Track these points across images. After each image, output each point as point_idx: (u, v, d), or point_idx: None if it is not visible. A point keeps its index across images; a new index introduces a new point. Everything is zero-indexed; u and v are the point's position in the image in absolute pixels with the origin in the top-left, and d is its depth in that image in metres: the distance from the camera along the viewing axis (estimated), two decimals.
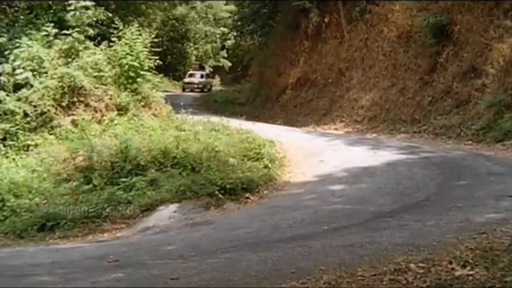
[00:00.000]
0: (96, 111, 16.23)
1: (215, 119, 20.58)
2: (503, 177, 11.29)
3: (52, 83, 15.69)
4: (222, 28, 58.34)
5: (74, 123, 15.68)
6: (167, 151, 13.15)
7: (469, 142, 17.05)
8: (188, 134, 15.81)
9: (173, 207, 10.93)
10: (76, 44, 16.61)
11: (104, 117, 16.13)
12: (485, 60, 18.31)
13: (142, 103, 17.08)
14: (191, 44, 56.16)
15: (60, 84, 15.75)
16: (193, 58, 56.41)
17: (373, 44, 23.41)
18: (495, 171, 11.90)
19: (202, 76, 48.79)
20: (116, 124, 15.81)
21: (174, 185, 11.54)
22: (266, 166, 13.37)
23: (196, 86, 46.55)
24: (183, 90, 45.75)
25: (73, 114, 15.87)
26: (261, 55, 34.19)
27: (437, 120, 19.08)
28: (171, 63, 53.33)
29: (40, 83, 15.75)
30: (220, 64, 60.08)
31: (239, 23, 40.18)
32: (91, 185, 12.14)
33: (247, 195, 11.83)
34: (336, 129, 22.51)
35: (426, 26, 20.33)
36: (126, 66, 16.82)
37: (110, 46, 17.30)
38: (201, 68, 52.52)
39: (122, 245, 9.09)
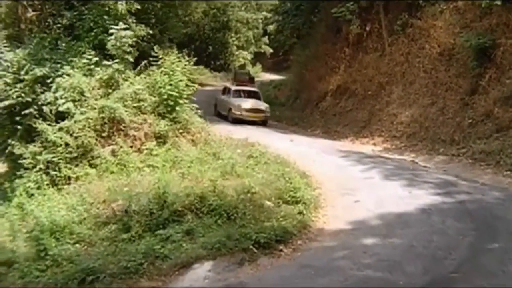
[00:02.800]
0: (135, 140, 16.62)
1: (252, 134, 20.85)
2: None
3: (93, 114, 16.10)
4: (264, 13, 57.70)
5: (113, 152, 16.12)
6: (204, 196, 13.39)
7: (508, 172, 16.84)
8: (225, 164, 16.13)
9: (207, 265, 11.16)
10: (116, 75, 16.90)
11: (143, 146, 16.51)
12: None
13: (181, 131, 17.38)
14: (233, 34, 55.78)
15: (101, 115, 16.14)
16: (234, 48, 56.02)
17: (414, 60, 23.11)
18: None
19: (258, 97, 29.14)
20: (155, 155, 16.17)
21: (210, 240, 11.74)
22: (300, 212, 13.48)
23: (263, 115, 27.61)
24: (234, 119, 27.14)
25: (112, 144, 16.29)
26: (302, 56, 34.01)
27: (476, 144, 18.84)
28: (211, 53, 53.48)
29: (81, 113, 16.20)
30: (262, 51, 59.83)
31: (280, 17, 39.86)
32: (129, 234, 12.47)
33: (280, 247, 11.98)
34: (374, 144, 22.42)
35: (469, 47, 19.94)
36: (165, 95, 17.08)
37: (149, 74, 17.59)
38: (250, 79, 33.01)
39: None
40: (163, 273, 11.09)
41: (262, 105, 27.92)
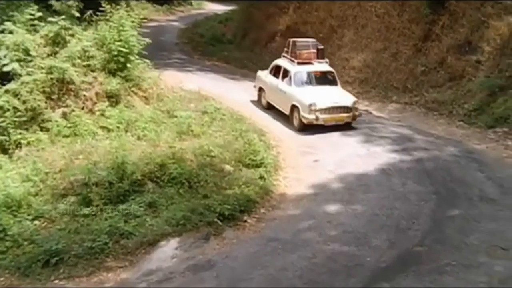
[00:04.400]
0: (86, 100, 16.02)
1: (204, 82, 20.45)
2: (495, 208, 11.59)
3: (41, 76, 15.34)
4: None
5: (65, 115, 15.51)
6: (163, 164, 13.17)
7: (461, 123, 17.21)
8: (180, 123, 15.89)
9: (174, 242, 11.09)
10: (63, 31, 16.05)
11: (95, 107, 15.95)
12: (481, 36, 18.20)
13: (133, 88, 16.86)
14: None
15: (50, 76, 15.41)
16: None
17: (366, 3, 22.85)
18: (488, 195, 12.16)
19: (334, 82, 18.66)
20: (108, 116, 15.68)
21: (174, 216, 11.62)
22: (262, 177, 13.47)
23: (347, 115, 17.34)
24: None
25: (63, 106, 15.65)
26: None
27: (429, 93, 19.14)
28: None
29: (28, 74, 15.38)
30: None
31: None
32: (90, 208, 12.19)
33: (245, 217, 12.06)
34: None
35: None
36: (115, 52, 16.42)
37: (96, 29, 16.82)
38: (319, 51, 19.10)
39: None
40: (129, 251, 10.99)
41: (346, 98, 17.59)
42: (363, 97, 20.80)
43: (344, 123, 16.90)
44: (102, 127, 15.37)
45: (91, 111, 15.85)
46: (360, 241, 10.64)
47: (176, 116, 16.48)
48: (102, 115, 15.72)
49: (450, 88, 18.63)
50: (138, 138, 15.02)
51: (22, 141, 14.75)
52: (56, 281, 10.41)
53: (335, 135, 16.44)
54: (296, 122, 17.21)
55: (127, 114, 15.81)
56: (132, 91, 16.78)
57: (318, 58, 18.70)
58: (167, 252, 10.90)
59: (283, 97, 18.05)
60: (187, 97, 18.73)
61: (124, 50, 16.42)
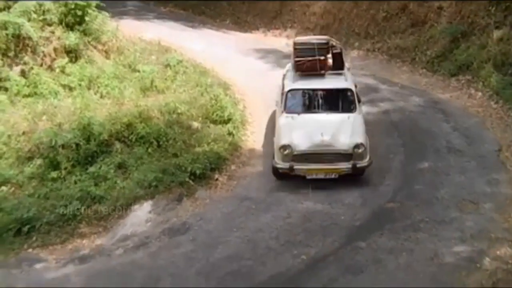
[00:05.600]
0: (45, 56, 15.48)
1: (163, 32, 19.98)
2: (463, 159, 11.90)
3: None
4: None
5: (23, 73, 15.00)
6: (130, 123, 12.95)
7: (424, 70, 17.38)
8: (143, 78, 15.61)
9: (147, 205, 11.05)
10: None
11: (55, 63, 15.45)
12: None
13: (93, 42, 16.36)
14: None
15: (5, 32, 14.78)
16: None
17: None
18: (455, 146, 12.46)
19: (350, 104, 12.25)
20: (68, 74, 15.22)
21: (145, 177, 11.51)
22: (230, 133, 13.43)
23: (346, 168, 11.23)
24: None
25: (20, 63, 15.11)
26: None
27: (391, 39, 19.13)
28: None
29: None
30: None
31: None
32: (57, 171, 11.97)
33: (216, 176, 12.09)
34: (287, 36, 22.11)
35: None
36: (72, 5, 15.81)
37: None
38: (336, 56, 13.08)
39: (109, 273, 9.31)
40: (102, 217, 10.91)
41: (348, 136, 11.34)
42: None
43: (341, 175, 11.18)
44: (63, 85, 14.92)
45: (51, 68, 15.34)
46: (332, 198, 10.78)
47: (138, 71, 16.16)
48: (62, 72, 15.23)
49: (412, 34, 18.68)
50: (101, 96, 14.70)
51: None
52: (30, 250, 10.30)
53: None
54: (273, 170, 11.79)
55: (89, 70, 15.35)
56: (92, 45, 16.27)
57: (335, 65, 12.92)
58: (141, 216, 10.87)
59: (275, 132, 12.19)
60: (148, 48, 18.33)
61: (81, 3, 15.81)
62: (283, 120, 11.96)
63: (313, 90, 12.31)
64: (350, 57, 19.17)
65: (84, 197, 11.15)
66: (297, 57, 12.45)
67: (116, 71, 15.77)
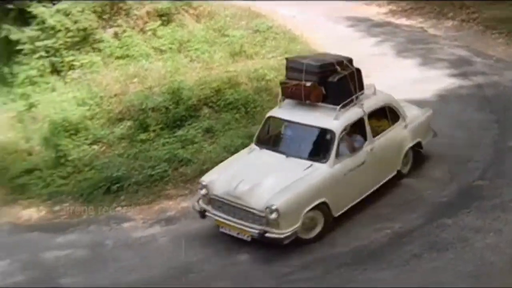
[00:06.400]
0: (138, 19, 15.72)
1: None
2: None
3: None
4: None
5: (116, 35, 15.34)
6: (219, 89, 13.00)
7: None
8: (233, 43, 15.56)
9: None
10: None
11: (147, 26, 15.66)
12: None
13: (184, 7, 16.45)
14: None
15: None
16: None
17: None
18: None
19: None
20: (160, 37, 15.40)
21: (231, 142, 11.51)
22: None
23: None
24: None
25: (114, 26, 15.43)
26: None
27: (488, 10, 18.08)
28: None
29: None
30: None
31: None
32: (146, 133, 12.20)
33: None
34: (379, 5, 21.31)
35: None
36: None
37: None
38: (347, 78, 9.64)
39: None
40: (189, 179, 11.04)
41: (278, 194, 8.55)
42: (417, 13, 19.78)
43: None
44: (155, 48, 15.17)
45: (143, 31, 15.61)
46: (420, 172, 10.42)
47: (228, 36, 16.08)
48: (154, 34, 15.48)
49: (510, 5, 17.57)
50: (191, 60, 14.79)
51: (75, 63, 14.68)
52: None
53: (389, 55, 15.82)
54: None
55: (179, 33, 15.51)
56: (183, 9, 16.38)
57: (335, 94, 9.47)
58: None
59: None
60: (238, 13, 18.13)
61: None
62: (243, 150, 10.14)
63: (291, 122, 9.79)
64: (444, 28, 18.34)
65: (171, 159, 11.35)
66: (287, 78, 9.91)
67: (206, 35, 15.79)
